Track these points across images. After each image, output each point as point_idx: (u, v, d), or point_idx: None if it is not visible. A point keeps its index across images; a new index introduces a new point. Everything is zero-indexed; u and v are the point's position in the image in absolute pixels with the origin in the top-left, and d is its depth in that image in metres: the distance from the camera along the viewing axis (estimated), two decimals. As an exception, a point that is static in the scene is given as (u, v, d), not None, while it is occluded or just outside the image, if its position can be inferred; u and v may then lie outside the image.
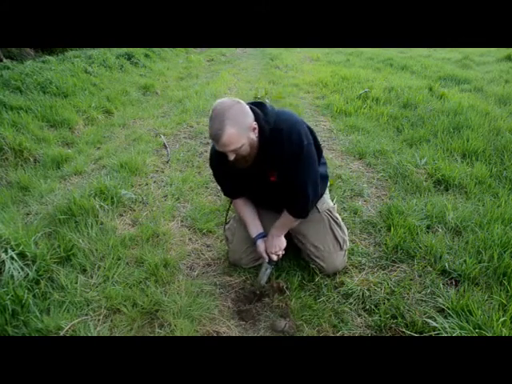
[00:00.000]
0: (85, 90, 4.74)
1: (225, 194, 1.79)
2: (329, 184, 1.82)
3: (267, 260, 1.65)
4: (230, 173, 1.55)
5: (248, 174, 1.52)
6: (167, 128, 3.81)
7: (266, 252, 1.64)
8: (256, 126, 1.36)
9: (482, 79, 5.30)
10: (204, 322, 1.50)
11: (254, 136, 1.36)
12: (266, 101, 1.46)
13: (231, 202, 1.80)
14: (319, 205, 1.71)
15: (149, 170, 2.85)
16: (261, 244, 1.65)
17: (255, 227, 1.68)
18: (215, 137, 1.29)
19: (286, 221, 1.61)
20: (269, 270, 1.67)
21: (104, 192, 2.30)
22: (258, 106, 1.43)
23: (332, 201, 2.20)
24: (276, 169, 1.48)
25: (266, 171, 1.50)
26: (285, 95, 4.96)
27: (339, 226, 1.73)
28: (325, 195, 1.74)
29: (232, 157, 1.35)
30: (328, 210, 1.73)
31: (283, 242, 1.64)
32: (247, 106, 1.35)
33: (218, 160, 1.50)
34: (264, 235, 1.68)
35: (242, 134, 1.30)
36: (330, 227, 1.70)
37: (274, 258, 1.64)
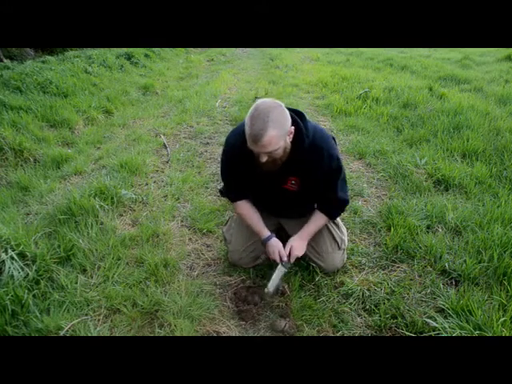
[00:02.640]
0: (85, 90, 4.74)
1: (226, 195, 1.72)
2: None
3: (283, 262, 1.56)
4: (245, 173, 1.53)
5: (264, 178, 1.51)
6: (167, 128, 3.81)
7: (289, 254, 1.58)
8: (293, 131, 1.36)
9: (482, 79, 5.30)
10: (204, 322, 1.50)
11: (289, 140, 1.36)
12: (303, 113, 1.47)
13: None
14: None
15: (149, 169, 2.85)
16: (276, 244, 1.59)
17: (265, 228, 1.64)
18: (256, 137, 1.25)
19: (321, 222, 1.63)
20: (282, 273, 1.57)
21: (104, 192, 2.30)
22: (298, 116, 1.42)
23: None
24: (301, 178, 1.51)
25: (284, 179, 1.52)
26: (285, 95, 4.96)
27: (337, 226, 1.73)
28: None
29: (264, 158, 1.33)
30: None
31: (304, 249, 1.63)
32: (287, 110, 1.34)
33: (239, 158, 1.47)
34: (276, 235, 1.64)
35: (281, 137, 1.29)
36: (327, 227, 1.70)
37: (292, 260, 1.58)
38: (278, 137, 1.27)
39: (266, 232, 1.63)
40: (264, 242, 1.63)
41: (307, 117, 1.46)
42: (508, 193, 2.31)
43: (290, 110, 1.40)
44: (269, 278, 1.59)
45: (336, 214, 1.67)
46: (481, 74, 5.80)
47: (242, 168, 1.51)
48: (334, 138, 1.55)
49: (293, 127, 1.35)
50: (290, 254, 1.58)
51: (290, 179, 1.52)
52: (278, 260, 1.57)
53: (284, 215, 1.77)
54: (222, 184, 1.71)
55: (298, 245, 1.59)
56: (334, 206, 1.62)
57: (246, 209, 1.66)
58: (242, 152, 1.40)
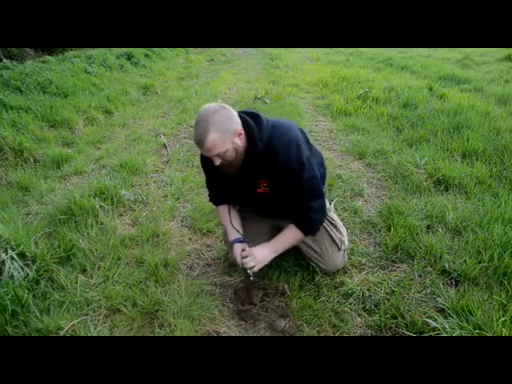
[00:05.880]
0: (85, 90, 4.74)
1: (210, 199, 1.72)
2: (326, 184, 1.81)
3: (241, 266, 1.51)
4: (218, 177, 1.53)
5: (235, 181, 1.50)
6: (167, 128, 3.81)
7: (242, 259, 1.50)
8: (242, 132, 1.35)
9: (482, 79, 5.29)
10: (204, 322, 1.50)
11: (239, 141, 1.35)
12: (260, 114, 1.44)
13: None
14: None
15: (149, 169, 2.85)
16: (237, 249, 1.56)
17: (233, 231, 1.61)
18: (199, 142, 1.29)
19: (293, 235, 1.53)
20: (244, 278, 1.56)
21: (104, 192, 2.30)
22: (252, 119, 1.41)
23: (332, 201, 2.19)
24: (270, 181, 1.47)
25: (255, 182, 1.49)
26: (285, 95, 4.96)
27: (335, 227, 1.71)
28: None
29: (218, 162, 1.35)
30: None
31: (267, 260, 1.52)
32: (233, 112, 1.35)
33: (206, 163, 1.47)
34: (242, 240, 1.59)
35: (225, 138, 1.29)
36: (325, 229, 1.69)
37: (246, 266, 1.48)
38: (221, 139, 1.28)
39: (232, 235, 1.60)
40: (230, 245, 1.62)
41: (263, 118, 1.43)
42: (508, 193, 2.31)
43: (244, 112, 1.41)
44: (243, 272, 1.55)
45: (307, 226, 1.52)
46: (481, 74, 5.79)
47: (212, 171, 1.49)
48: (306, 137, 1.50)
49: (240, 128, 1.34)
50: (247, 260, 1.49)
51: (262, 182, 1.49)
52: (239, 264, 1.53)
53: (274, 216, 1.72)
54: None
55: (259, 254, 1.49)
56: (304, 216, 1.51)
57: (223, 212, 1.65)
58: (207, 158, 1.40)
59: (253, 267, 1.48)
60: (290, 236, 1.55)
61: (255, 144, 1.37)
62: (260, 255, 1.49)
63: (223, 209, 1.66)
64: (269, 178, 1.47)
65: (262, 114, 1.45)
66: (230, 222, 1.62)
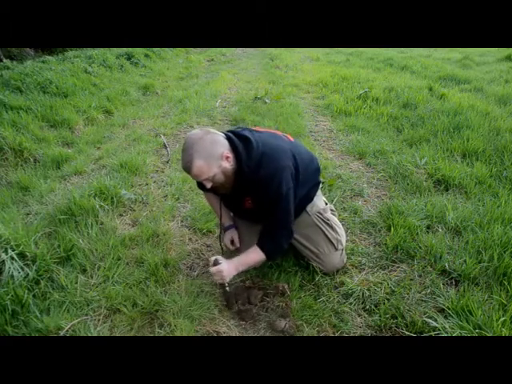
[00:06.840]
0: (85, 90, 4.74)
1: (198, 187, 1.71)
2: (321, 186, 1.81)
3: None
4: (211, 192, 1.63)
5: (225, 196, 1.59)
6: (167, 128, 3.81)
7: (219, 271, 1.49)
8: (229, 155, 1.38)
9: (482, 79, 5.29)
10: (204, 322, 1.50)
11: (227, 165, 1.38)
12: (251, 138, 1.46)
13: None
14: (309, 208, 1.70)
15: (149, 169, 2.85)
16: (230, 234, 1.73)
17: (224, 217, 1.75)
18: (186, 169, 1.36)
19: (256, 257, 1.53)
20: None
21: (104, 192, 2.30)
22: (243, 142, 1.44)
23: (331, 201, 2.19)
24: (252, 199, 1.53)
25: (241, 198, 1.55)
26: (285, 95, 4.96)
27: (331, 227, 1.71)
28: (315, 198, 1.73)
29: (209, 185, 1.39)
30: (318, 212, 1.71)
31: (231, 276, 1.51)
32: (218, 136, 1.38)
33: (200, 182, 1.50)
34: (232, 226, 1.76)
35: (211, 164, 1.33)
36: (321, 229, 1.70)
37: (214, 280, 1.53)
38: (206, 165, 1.33)
39: (225, 222, 1.76)
40: (224, 230, 1.76)
41: (254, 142, 1.45)
42: (508, 193, 2.31)
43: (235, 133, 1.46)
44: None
45: (272, 251, 1.54)
46: (481, 74, 5.79)
47: (205, 188, 1.51)
48: (296, 164, 1.50)
49: (227, 152, 1.38)
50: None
51: (247, 199, 1.54)
52: (229, 246, 1.73)
53: (256, 221, 1.74)
54: None
55: (225, 269, 1.47)
56: (270, 241, 1.53)
57: (212, 198, 1.76)
58: None
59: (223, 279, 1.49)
60: (252, 256, 1.54)
61: (242, 169, 1.42)
62: (226, 271, 1.47)
63: (211, 195, 1.74)
64: (252, 197, 1.53)
65: (253, 138, 1.47)
66: (220, 207, 1.73)
